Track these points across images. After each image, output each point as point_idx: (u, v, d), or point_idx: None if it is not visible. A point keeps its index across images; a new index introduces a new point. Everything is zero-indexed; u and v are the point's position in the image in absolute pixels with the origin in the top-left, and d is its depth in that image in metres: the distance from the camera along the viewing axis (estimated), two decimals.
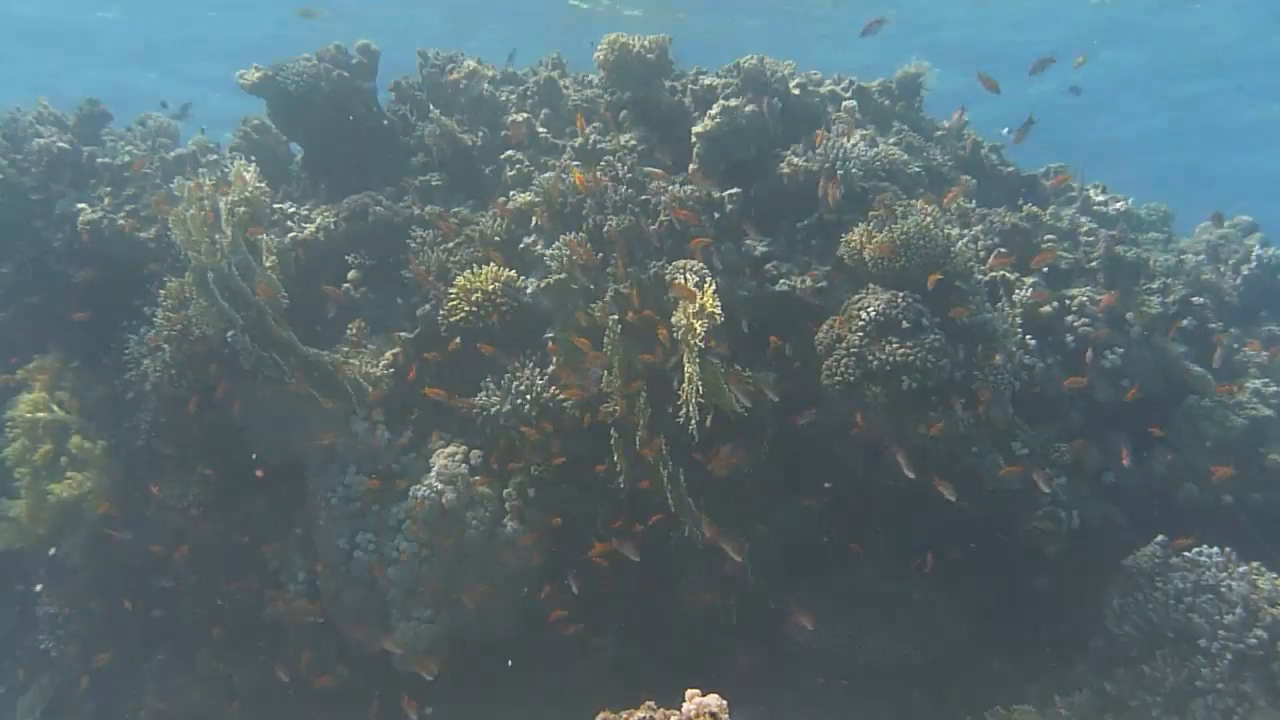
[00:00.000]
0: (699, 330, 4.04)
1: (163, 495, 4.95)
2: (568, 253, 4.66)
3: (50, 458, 5.05)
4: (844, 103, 5.87)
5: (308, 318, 5.05)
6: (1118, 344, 5.11)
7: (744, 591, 4.60)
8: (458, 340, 4.70)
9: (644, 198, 4.91)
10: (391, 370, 4.86)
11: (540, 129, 5.71)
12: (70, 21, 13.89)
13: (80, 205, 5.50)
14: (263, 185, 5.27)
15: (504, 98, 6.00)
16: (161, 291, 4.99)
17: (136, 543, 5.00)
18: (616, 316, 4.34)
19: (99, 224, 5.39)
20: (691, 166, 5.23)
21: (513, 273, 4.80)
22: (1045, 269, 5.36)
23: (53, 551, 5.14)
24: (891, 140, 5.73)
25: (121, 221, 5.43)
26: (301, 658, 4.64)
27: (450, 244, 5.05)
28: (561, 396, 4.48)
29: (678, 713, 2.10)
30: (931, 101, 6.46)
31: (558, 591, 4.34)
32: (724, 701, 2.08)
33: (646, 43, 5.43)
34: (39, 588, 5.32)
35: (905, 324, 4.36)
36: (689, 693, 2.13)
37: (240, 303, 4.57)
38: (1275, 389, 5.46)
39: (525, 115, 5.70)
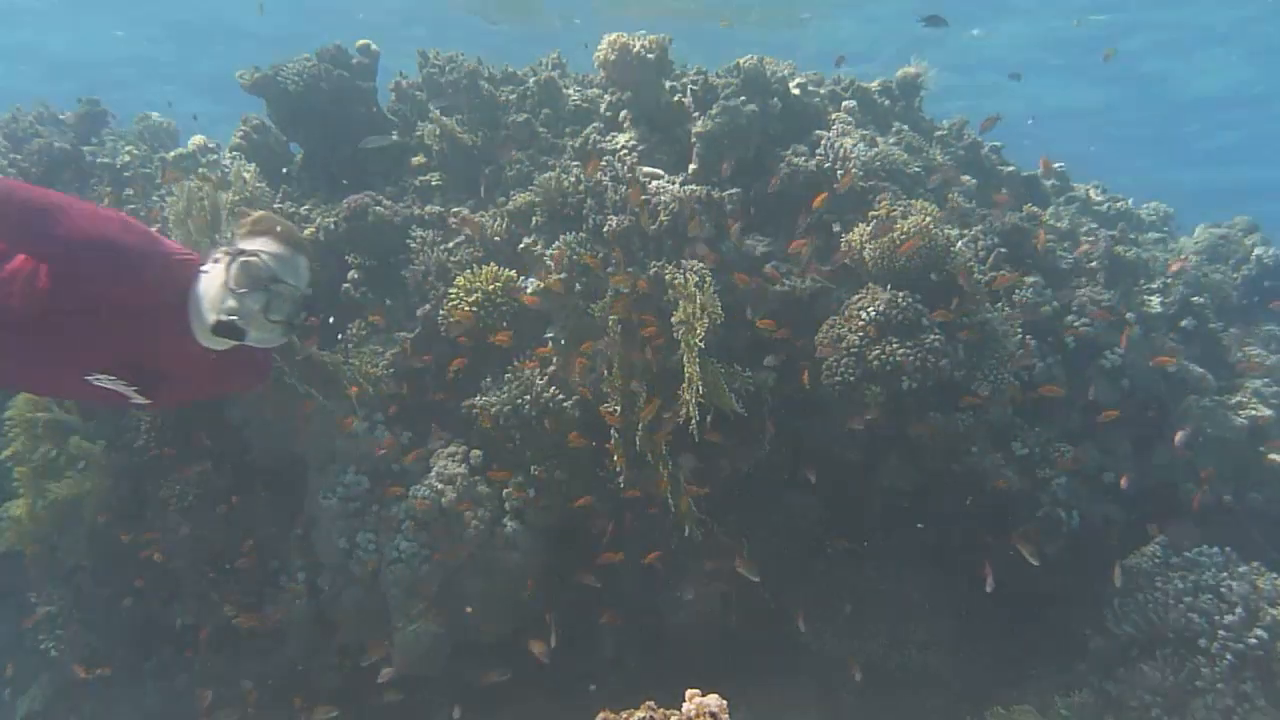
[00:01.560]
0: (699, 330, 4.04)
1: (163, 494, 4.95)
2: (568, 252, 4.66)
3: (50, 458, 5.05)
4: (844, 103, 5.88)
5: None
6: (1117, 344, 5.12)
7: (744, 591, 4.60)
8: (464, 337, 4.70)
9: (644, 198, 4.91)
10: (392, 370, 4.86)
11: (540, 129, 5.70)
12: None
13: None
14: (262, 185, 5.26)
15: (504, 98, 6.00)
16: None
17: (135, 542, 4.99)
18: (616, 317, 4.34)
19: None
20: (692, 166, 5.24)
21: (512, 273, 4.81)
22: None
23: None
24: (891, 140, 5.74)
25: None
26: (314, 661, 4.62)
27: (451, 244, 5.06)
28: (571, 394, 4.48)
29: (678, 713, 2.10)
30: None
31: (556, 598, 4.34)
32: (724, 701, 2.08)
33: (647, 42, 5.42)
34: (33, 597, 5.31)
35: (905, 323, 4.36)
36: (689, 693, 2.13)
37: None
38: (1275, 389, 5.47)
39: (525, 115, 5.69)
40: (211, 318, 2.05)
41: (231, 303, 2.03)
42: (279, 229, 2.17)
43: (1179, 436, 4.95)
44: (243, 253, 2.07)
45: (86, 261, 1.95)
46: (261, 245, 2.10)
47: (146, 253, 2.02)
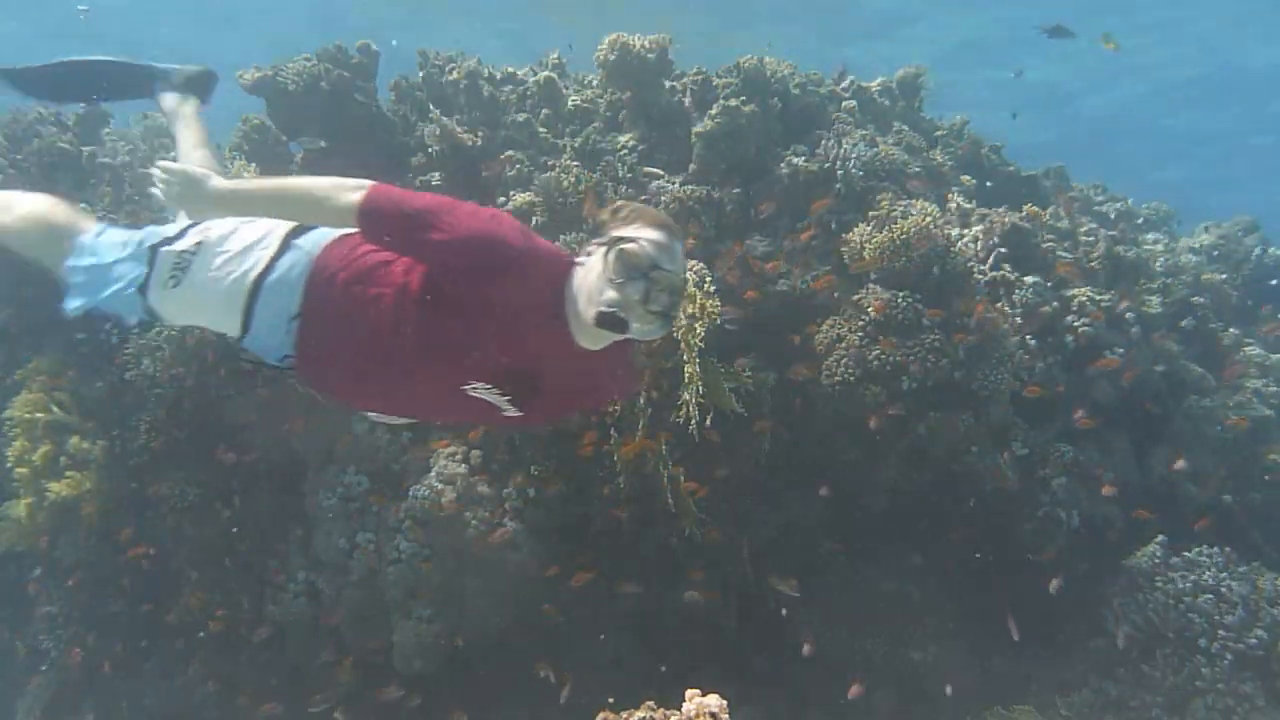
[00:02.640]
0: (699, 330, 4.04)
1: (163, 494, 4.94)
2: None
3: (50, 458, 5.05)
4: (844, 103, 5.87)
5: None
6: (1117, 344, 5.11)
7: (745, 591, 4.60)
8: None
9: (644, 198, 4.91)
10: None
11: (540, 129, 5.70)
12: None
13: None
14: None
15: (504, 98, 6.00)
16: None
17: (135, 542, 4.99)
18: None
19: None
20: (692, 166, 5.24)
21: None
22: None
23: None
24: (891, 140, 5.73)
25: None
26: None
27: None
28: None
29: (678, 713, 2.10)
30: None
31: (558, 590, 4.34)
32: (724, 701, 2.08)
33: (646, 42, 5.42)
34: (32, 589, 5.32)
35: (905, 324, 4.36)
36: (689, 693, 2.13)
37: None
38: (1275, 389, 5.47)
39: (525, 115, 5.69)
40: (590, 311, 1.90)
41: (611, 293, 1.89)
42: (653, 215, 2.02)
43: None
44: (620, 240, 1.93)
45: (468, 259, 1.90)
46: (637, 231, 1.95)
47: (526, 248, 1.94)
